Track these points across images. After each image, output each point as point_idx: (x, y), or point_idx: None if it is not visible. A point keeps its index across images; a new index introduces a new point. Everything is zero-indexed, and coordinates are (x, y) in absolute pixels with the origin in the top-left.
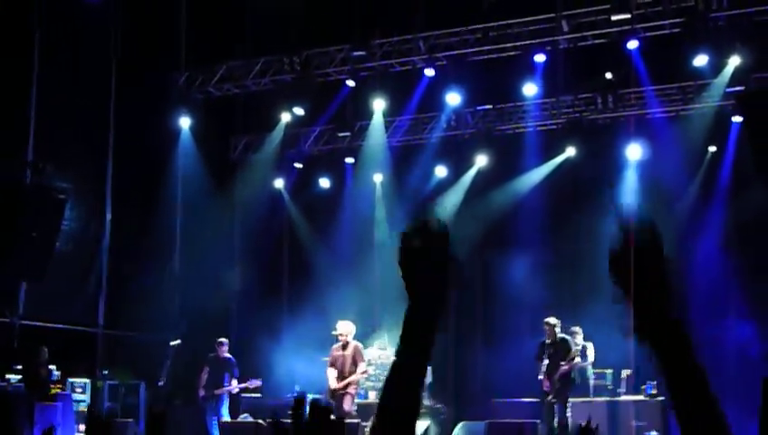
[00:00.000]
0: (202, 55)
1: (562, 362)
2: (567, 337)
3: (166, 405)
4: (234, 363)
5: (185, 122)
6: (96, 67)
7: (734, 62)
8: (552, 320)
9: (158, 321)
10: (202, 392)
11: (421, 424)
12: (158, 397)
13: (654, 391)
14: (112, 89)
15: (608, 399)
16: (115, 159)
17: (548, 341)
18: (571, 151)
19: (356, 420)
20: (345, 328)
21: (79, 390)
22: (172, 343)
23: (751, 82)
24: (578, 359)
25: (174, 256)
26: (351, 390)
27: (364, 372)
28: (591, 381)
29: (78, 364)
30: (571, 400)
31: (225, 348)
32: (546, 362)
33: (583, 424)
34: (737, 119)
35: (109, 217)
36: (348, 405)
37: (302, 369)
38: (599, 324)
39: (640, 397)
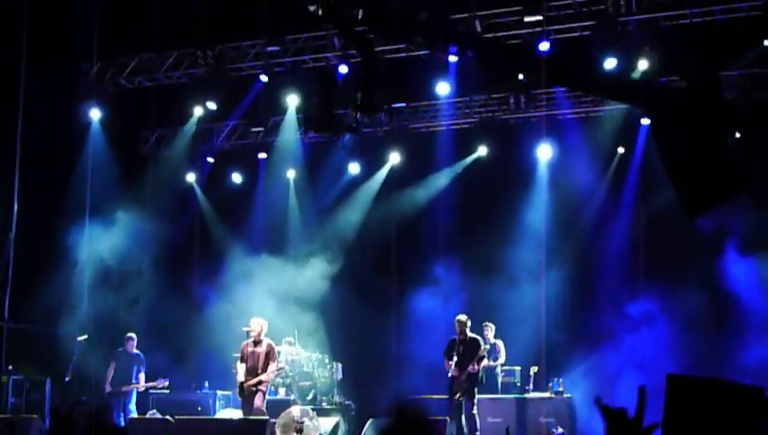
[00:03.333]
0: (114, 47)
1: (471, 366)
2: (477, 337)
3: (72, 404)
4: (142, 359)
5: (95, 114)
6: (4, 56)
7: (643, 65)
8: (463, 317)
9: (65, 316)
10: (108, 388)
11: (330, 421)
12: (64, 393)
13: (560, 389)
14: (21, 79)
15: (516, 396)
16: (23, 151)
17: (458, 338)
18: (482, 150)
19: (266, 417)
20: (258, 325)
21: None
22: (79, 339)
23: (658, 85)
24: (485, 361)
25: (82, 251)
26: (263, 387)
27: (280, 368)
28: (500, 379)
29: None
30: (477, 396)
31: (134, 343)
32: (455, 359)
33: None
34: (645, 121)
35: (15, 208)
36: (259, 402)
37: (212, 364)
38: (509, 322)
39: (548, 394)
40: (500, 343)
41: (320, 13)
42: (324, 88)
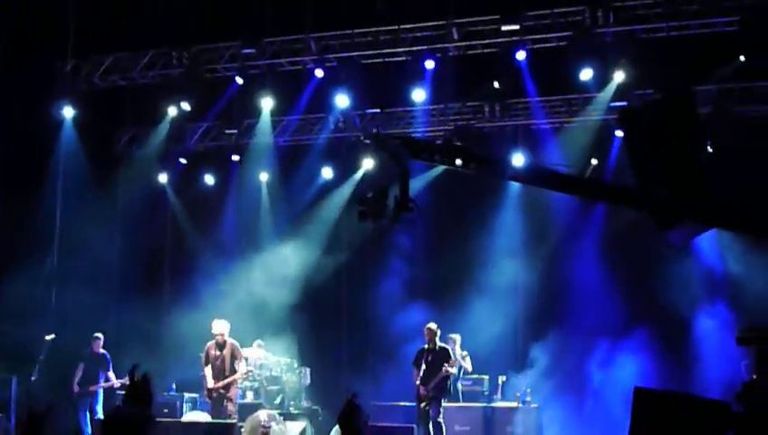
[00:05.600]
0: (89, 45)
1: (444, 369)
2: (447, 347)
3: (45, 405)
4: (108, 360)
5: (68, 113)
6: None
7: (619, 77)
8: (433, 325)
9: (33, 315)
10: (76, 389)
11: (298, 425)
12: (31, 392)
13: (528, 398)
14: None
15: (484, 404)
16: None
17: (428, 347)
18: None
19: (233, 421)
20: (221, 327)
21: None
22: (47, 338)
23: (633, 97)
24: (453, 369)
25: (52, 250)
26: (233, 390)
27: (247, 371)
28: (460, 388)
29: None
30: (444, 405)
31: (101, 343)
32: (423, 367)
33: None
34: (619, 133)
35: None
36: (231, 407)
37: (179, 366)
38: (480, 331)
39: (515, 403)
40: (465, 353)
41: (369, 143)
42: (381, 189)
